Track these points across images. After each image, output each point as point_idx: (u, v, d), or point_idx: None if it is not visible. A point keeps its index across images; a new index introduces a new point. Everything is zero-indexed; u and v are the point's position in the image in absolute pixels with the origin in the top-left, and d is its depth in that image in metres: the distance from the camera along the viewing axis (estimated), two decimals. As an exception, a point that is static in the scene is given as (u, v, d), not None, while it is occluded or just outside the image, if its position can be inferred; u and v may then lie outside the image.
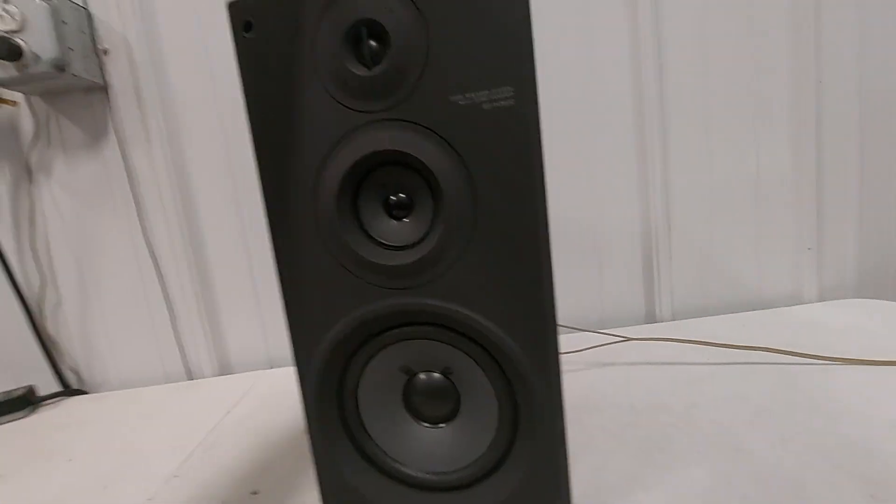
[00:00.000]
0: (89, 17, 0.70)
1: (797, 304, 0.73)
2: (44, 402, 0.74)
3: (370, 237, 0.30)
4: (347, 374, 0.33)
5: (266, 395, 0.65)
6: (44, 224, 0.76)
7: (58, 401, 0.75)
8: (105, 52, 0.72)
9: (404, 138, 0.28)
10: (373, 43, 0.27)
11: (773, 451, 0.38)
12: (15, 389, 0.71)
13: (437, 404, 0.33)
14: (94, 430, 0.62)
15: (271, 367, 0.78)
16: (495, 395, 0.31)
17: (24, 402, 0.70)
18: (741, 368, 0.52)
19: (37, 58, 0.64)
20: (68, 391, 0.77)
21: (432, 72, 0.27)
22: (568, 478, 0.31)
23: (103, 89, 0.72)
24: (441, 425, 0.33)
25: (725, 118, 0.71)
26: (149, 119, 0.72)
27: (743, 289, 0.75)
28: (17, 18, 0.63)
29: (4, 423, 0.68)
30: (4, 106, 0.72)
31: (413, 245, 0.30)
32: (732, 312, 0.72)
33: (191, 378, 0.79)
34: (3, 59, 0.62)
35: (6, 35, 0.62)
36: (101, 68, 0.72)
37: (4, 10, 0.63)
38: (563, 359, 0.30)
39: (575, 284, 0.75)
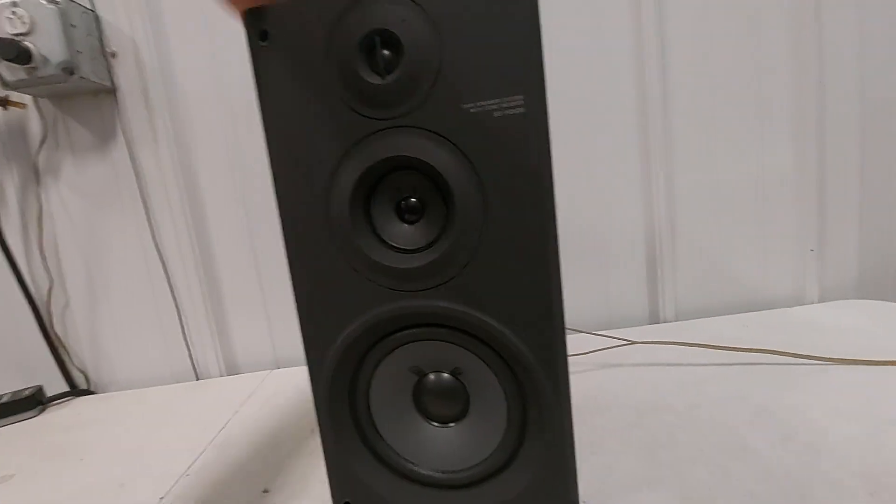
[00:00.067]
0: (97, 19, 0.71)
1: (798, 305, 0.73)
2: (52, 403, 0.74)
3: (382, 241, 0.31)
4: (359, 375, 0.34)
5: (273, 395, 0.65)
6: (52, 225, 0.77)
7: (66, 401, 0.76)
8: (113, 54, 0.72)
9: (417, 145, 0.28)
10: (386, 52, 0.28)
11: (774, 451, 0.39)
12: (23, 389, 0.72)
13: (447, 404, 0.34)
14: (103, 430, 0.63)
15: (278, 368, 0.78)
16: (504, 395, 0.32)
17: (33, 402, 0.71)
18: (743, 369, 0.53)
19: (45, 61, 0.64)
20: (76, 391, 0.78)
21: (444, 80, 0.27)
22: (575, 476, 0.32)
23: (111, 91, 0.73)
24: (451, 425, 0.34)
25: (727, 118, 0.72)
26: (156, 121, 0.73)
27: (745, 289, 0.76)
28: (26, 22, 0.64)
29: (13, 423, 0.69)
30: (13, 108, 0.72)
31: (424, 248, 0.30)
32: (734, 313, 0.72)
33: (198, 378, 0.79)
34: (12, 61, 0.63)
35: (15, 38, 0.63)
36: (109, 71, 0.72)
37: (14, 13, 0.63)
38: (570, 360, 0.31)
39: (579, 285, 0.76)
